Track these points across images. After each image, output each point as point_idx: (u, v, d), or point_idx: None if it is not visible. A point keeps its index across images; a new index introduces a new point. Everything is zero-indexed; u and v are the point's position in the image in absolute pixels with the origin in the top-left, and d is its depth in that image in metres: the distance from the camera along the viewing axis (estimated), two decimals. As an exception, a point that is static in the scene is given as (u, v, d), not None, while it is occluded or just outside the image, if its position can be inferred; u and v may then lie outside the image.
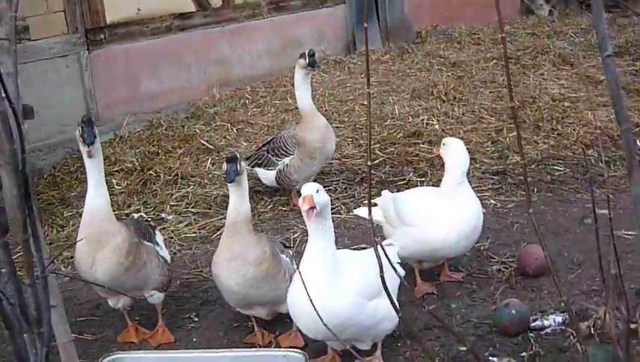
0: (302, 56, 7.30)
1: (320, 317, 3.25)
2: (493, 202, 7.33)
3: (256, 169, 7.69)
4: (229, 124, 9.54)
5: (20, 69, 7.72)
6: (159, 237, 5.84)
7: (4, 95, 2.31)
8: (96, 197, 5.16)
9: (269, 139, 7.94)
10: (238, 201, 5.05)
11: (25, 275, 2.62)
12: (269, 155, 7.57)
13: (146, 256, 5.38)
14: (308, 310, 4.24)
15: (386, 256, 2.38)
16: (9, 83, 7.14)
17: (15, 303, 2.61)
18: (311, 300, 3.32)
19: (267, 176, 7.63)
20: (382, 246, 2.44)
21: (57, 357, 3.46)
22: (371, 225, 2.38)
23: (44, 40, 8.79)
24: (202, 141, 9.03)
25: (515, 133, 8.70)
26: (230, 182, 4.97)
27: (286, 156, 7.48)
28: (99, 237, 5.14)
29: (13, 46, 2.65)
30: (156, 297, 5.56)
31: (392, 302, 2.40)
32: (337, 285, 4.65)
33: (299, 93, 7.39)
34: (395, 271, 2.41)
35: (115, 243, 5.17)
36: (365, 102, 10.00)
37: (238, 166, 4.95)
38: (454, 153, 5.73)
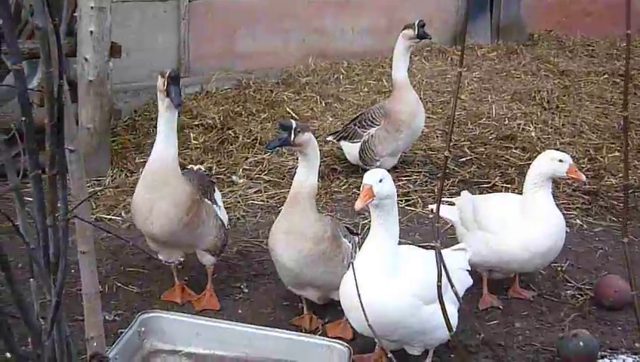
0: (409, 26, 7.10)
1: (365, 314, 2.94)
2: (580, 223, 6.86)
3: (342, 142, 7.50)
4: (318, 97, 9.25)
5: (116, 7, 7.66)
6: (218, 196, 5.60)
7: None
8: (166, 147, 4.96)
9: (355, 115, 7.72)
10: (305, 174, 4.79)
11: (47, 215, 2.38)
12: (356, 127, 7.39)
13: (205, 214, 5.17)
14: (356, 303, 3.95)
15: (442, 263, 2.04)
16: (102, 17, 6.98)
17: (32, 243, 2.37)
18: (359, 294, 3.01)
19: (351, 149, 7.43)
20: (440, 254, 2.11)
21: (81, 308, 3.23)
22: (435, 228, 2.05)
23: (147, -19, 8.65)
24: (288, 109, 8.77)
25: (615, 155, 8.18)
26: (270, 150, 4.72)
27: (372, 127, 7.30)
28: (161, 188, 4.94)
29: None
30: (207, 259, 5.33)
31: (445, 318, 2.06)
32: (394, 283, 4.35)
33: (397, 63, 7.22)
34: (447, 275, 2.07)
35: (178, 197, 4.97)
36: (463, 97, 9.60)
37: (292, 135, 4.63)
38: (537, 159, 5.34)
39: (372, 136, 7.25)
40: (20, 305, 2.15)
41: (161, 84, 4.82)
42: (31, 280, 2.36)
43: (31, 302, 2.36)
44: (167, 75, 4.78)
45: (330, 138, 7.63)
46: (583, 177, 5.38)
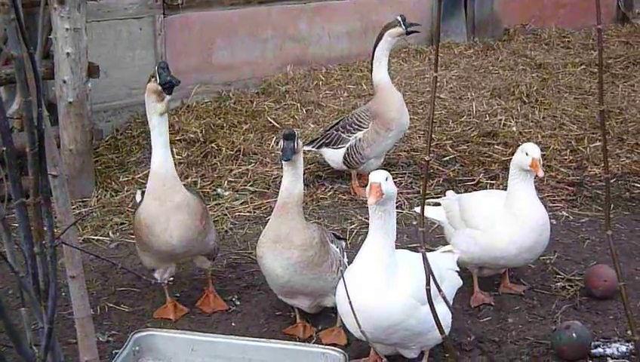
0: (393, 24, 7.08)
1: (356, 319, 2.95)
2: (566, 214, 6.90)
3: (323, 150, 7.42)
4: (298, 104, 9.26)
5: (92, 27, 7.66)
6: None
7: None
8: (165, 157, 5.01)
9: (336, 121, 7.68)
10: (292, 182, 4.80)
11: (34, 242, 2.38)
12: (340, 133, 7.31)
13: (211, 221, 5.34)
14: (358, 308, 3.97)
15: (428, 264, 2.05)
16: (78, 38, 6.96)
17: (21, 272, 2.37)
18: (349, 300, 3.02)
19: (334, 155, 7.35)
20: (427, 257, 2.13)
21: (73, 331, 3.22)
22: (421, 232, 2.06)
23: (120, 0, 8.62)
24: (269, 118, 8.78)
25: (597, 144, 8.23)
26: (286, 160, 4.70)
27: (359, 130, 7.24)
28: (172, 197, 4.98)
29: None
30: (206, 264, 5.47)
31: (436, 320, 2.08)
32: (393, 286, 4.38)
33: (378, 64, 7.15)
34: (435, 281, 2.08)
35: (191, 205, 5.04)
36: (442, 96, 9.64)
37: (296, 144, 4.67)
38: (517, 152, 5.35)
39: (360, 139, 7.19)
40: (13, 334, 2.14)
41: (155, 80, 4.87)
42: (22, 309, 2.35)
43: (23, 331, 2.35)
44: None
45: (307, 148, 7.42)
46: (541, 173, 5.30)
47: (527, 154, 5.21)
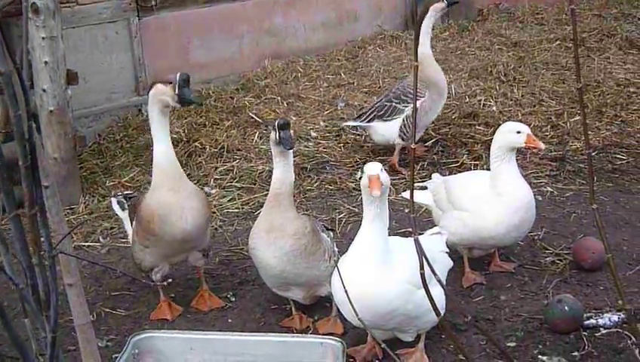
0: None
1: (353, 307, 3.00)
2: (550, 190, 6.97)
3: (375, 123, 7.56)
4: (279, 98, 9.29)
5: (67, 33, 7.66)
6: None
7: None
8: (167, 147, 5.16)
9: (384, 94, 7.81)
10: (284, 173, 4.87)
11: (32, 254, 2.41)
12: (394, 104, 7.52)
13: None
14: (356, 296, 4.03)
15: (423, 253, 2.10)
16: (55, 46, 6.94)
17: (20, 284, 2.40)
18: (345, 289, 3.07)
19: (388, 128, 7.53)
20: (420, 241, 2.18)
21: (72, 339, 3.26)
22: (412, 218, 2.11)
23: (94, 5, 8.58)
24: (251, 114, 8.80)
25: (576, 118, 8.30)
26: (289, 149, 4.77)
27: (416, 100, 7.35)
28: (180, 186, 5.13)
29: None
30: (200, 260, 5.55)
31: (432, 303, 2.13)
32: (389, 272, 4.45)
33: (424, 38, 7.53)
34: (429, 265, 2.13)
35: (199, 193, 5.28)
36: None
37: (291, 132, 4.79)
38: (496, 133, 5.43)
39: (418, 108, 7.42)
40: (19, 346, 2.18)
41: (170, 93, 4.94)
42: (25, 319, 2.38)
43: (29, 341, 2.39)
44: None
45: (355, 123, 7.69)
46: (542, 145, 5.46)
47: (518, 132, 5.28)
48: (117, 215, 6.06)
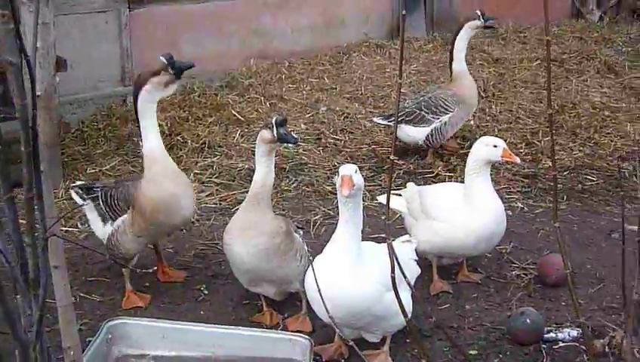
0: (473, 17, 7.83)
1: (325, 305, 3.15)
2: (521, 205, 7.17)
3: (402, 126, 7.85)
4: (262, 98, 9.43)
5: (58, 20, 7.75)
6: None
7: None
8: (158, 140, 5.42)
9: (415, 97, 8.25)
10: (266, 173, 4.99)
11: (26, 235, 2.54)
12: (423, 113, 7.84)
13: None
14: (327, 294, 4.18)
15: (395, 254, 2.26)
16: (46, 32, 7.01)
17: (12, 262, 2.53)
18: (318, 286, 3.22)
19: (416, 133, 7.89)
20: (393, 247, 2.33)
21: (55, 319, 3.38)
22: (387, 224, 2.26)
23: (86, -7, 8.72)
24: (234, 112, 8.93)
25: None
26: (295, 143, 4.96)
27: (446, 113, 7.85)
28: (177, 176, 5.46)
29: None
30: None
31: (400, 306, 2.29)
32: (361, 273, 4.61)
33: (459, 54, 7.85)
34: (400, 268, 2.29)
35: (188, 181, 5.69)
36: (402, 90, 9.85)
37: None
38: (473, 146, 5.61)
39: (445, 123, 7.79)
40: (11, 321, 2.31)
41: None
42: (17, 296, 2.51)
43: (18, 318, 2.52)
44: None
45: (384, 122, 8.06)
46: (517, 160, 5.68)
47: (495, 146, 5.46)
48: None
